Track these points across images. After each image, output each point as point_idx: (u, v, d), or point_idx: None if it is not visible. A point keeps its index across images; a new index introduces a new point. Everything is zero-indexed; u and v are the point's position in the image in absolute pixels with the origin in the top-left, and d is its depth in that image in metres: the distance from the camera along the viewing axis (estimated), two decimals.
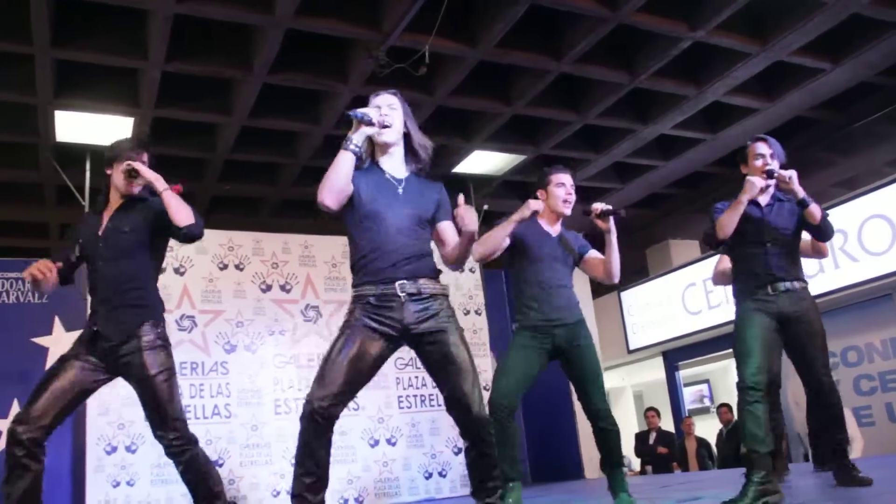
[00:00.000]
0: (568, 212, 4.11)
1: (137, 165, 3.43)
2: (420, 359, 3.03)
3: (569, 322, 3.99)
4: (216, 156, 7.82)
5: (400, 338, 2.96)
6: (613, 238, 3.98)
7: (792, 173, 3.86)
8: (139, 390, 3.38)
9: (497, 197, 9.28)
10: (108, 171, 3.55)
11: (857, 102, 8.32)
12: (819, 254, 4.64)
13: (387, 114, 3.08)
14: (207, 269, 6.71)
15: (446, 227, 3.18)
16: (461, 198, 3.03)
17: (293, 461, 2.85)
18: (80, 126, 6.88)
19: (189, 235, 3.46)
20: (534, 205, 3.87)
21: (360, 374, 2.89)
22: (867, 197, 8.16)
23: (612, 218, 3.94)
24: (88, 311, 3.51)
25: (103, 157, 3.60)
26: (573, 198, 4.12)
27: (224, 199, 8.97)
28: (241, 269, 6.85)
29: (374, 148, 3.13)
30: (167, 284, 6.42)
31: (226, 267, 6.80)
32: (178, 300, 6.51)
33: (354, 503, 6.57)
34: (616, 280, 4.11)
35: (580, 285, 10.22)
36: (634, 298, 11.70)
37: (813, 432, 4.91)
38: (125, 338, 3.36)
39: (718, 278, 4.95)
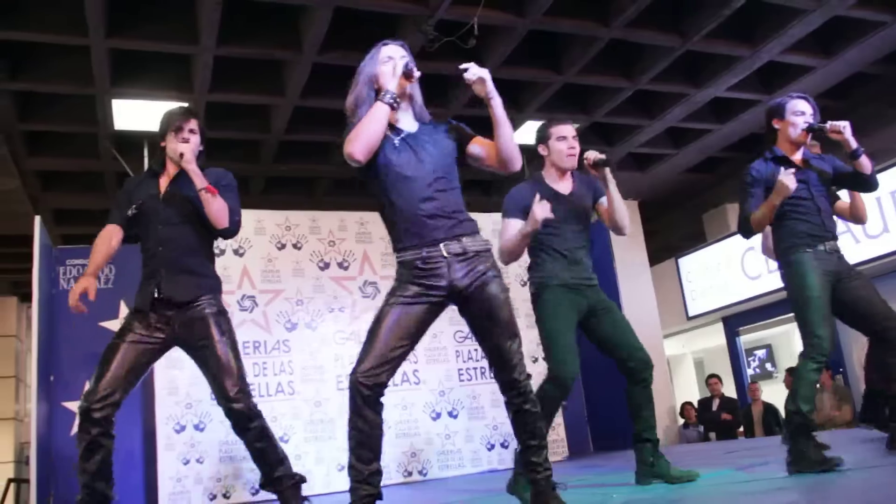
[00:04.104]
0: (573, 165, 3.92)
1: (187, 158, 3.42)
2: (464, 315, 2.94)
3: (592, 284, 3.84)
4: (271, 137, 7.92)
5: (447, 300, 2.89)
6: (612, 187, 3.82)
7: (846, 123, 3.74)
8: (205, 357, 3.43)
9: None
10: (162, 144, 3.58)
11: None
12: (858, 219, 4.45)
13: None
14: (266, 250, 6.80)
15: (476, 143, 3.02)
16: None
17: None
18: (136, 114, 7.02)
19: (223, 236, 3.58)
20: (539, 213, 3.59)
21: (402, 342, 2.83)
22: None
23: (607, 168, 3.79)
24: (143, 270, 3.53)
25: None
26: (577, 150, 3.90)
27: (280, 179, 9.09)
28: (299, 248, 6.93)
29: None
30: (227, 266, 6.53)
31: (284, 246, 6.88)
32: (239, 281, 6.62)
33: (419, 476, 6.65)
34: (625, 232, 3.93)
35: (637, 253, 10.19)
36: (692, 264, 11.57)
37: (871, 389, 4.76)
38: (189, 302, 3.42)
39: (768, 252, 4.85)
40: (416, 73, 2.96)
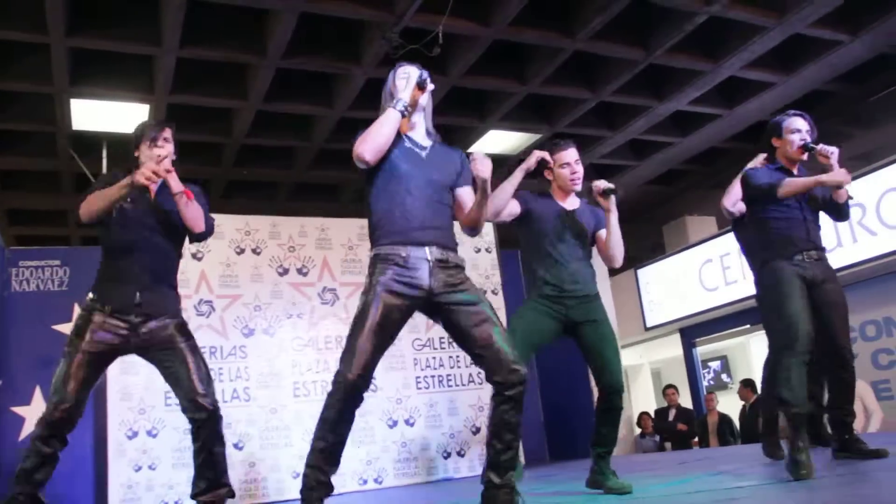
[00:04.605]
0: (578, 188, 4.03)
1: (167, 171, 3.39)
2: (448, 324, 3.01)
3: (582, 294, 3.88)
4: (232, 141, 7.85)
5: (422, 303, 2.97)
6: (614, 218, 3.91)
7: (834, 150, 3.92)
8: (174, 367, 3.42)
9: None
10: (136, 153, 3.58)
11: (876, 75, 8.23)
12: None
13: None
14: (224, 254, 6.73)
15: (465, 193, 3.22)
16: (477, 151, 3.08)
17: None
18: (95, 114, 6.92)
19: (197, 240, 3.63)
20: (539, 153, 3.88)
21: (386, 341, 2.93)
22: (886, 170, 8.07)
23: (613, 197, 3.88)
24: (112, 269, 3.49)
25: (131, 140, 3.64)
26: (580, 173, 4.02)
27: (240, 183, 9.02)
28: (259, 254, 6.87)
29: None
30: (184, 270, 6.38)
31: (243, 251, 6.82)
32: (196, 285, 6.54)
33: (374, 483, 6.61)
34: (616, 264, 4.03)
35: (597, 264, 10.22)
36: (651, 275, 11.66)
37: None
38: (161, 316, 3.44)
39: (730, 201, 4.92)
40: (430, 86, 3.15)
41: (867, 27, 6.93)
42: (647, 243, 12.64)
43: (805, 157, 4.03)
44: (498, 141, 8.49)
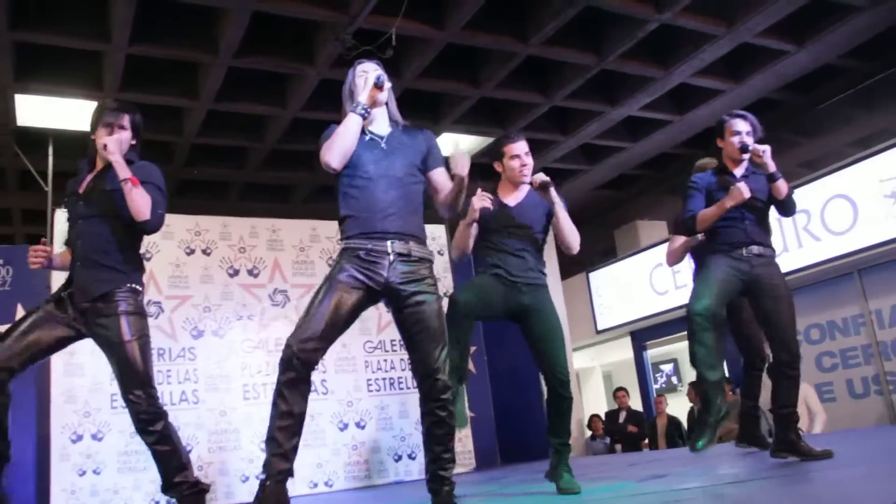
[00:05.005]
0: (526, 180, 4.03)
1: (110, 149, 3.38)
2: (396, 319, 3.09)
3: (532, 283, 3.94)
4: (183, 140, 7.75)
5: (380, 294, 3.03)
6: (560, 210, 3.95)
7: (766, 148, 4.01)
8: (112, 356, 3.36)
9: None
10: (93, 137, 3.51)
11: (822, 85, 8.41)
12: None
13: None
14: (174, 255, 6.65)
15: (438, 174, 3.30)
16: (455, 148, 3.19)
17: (262, 444, 2.85)
18: (41, 110, 6.77)
19: (143, 230, 3.50)
20: (477, 203, 3.82)
21: (339, 322, 2.94)
22: (830, 177, 8.25)
23: (552, 190, 3.92)
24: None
25: (79, 135, 3.61)
26: (530, 165, 4.03)
27: (191, 183, 8.90)
28: (209, 254, 6.79)
29: None
30: None
31: (193, 252, 6.73)
32: (145, 286, 6.44)
33: (324, 487, 6.57)
34: (573, 251, 4.09)
35: (548, 267, 10.28)
36: (602, 279, 11.77)
37: (745, 411, 5.02)
38: (97, 297, 3.34)
39: (672, 257, 5.16)
40: (388, 84, 3.24)
41: (813, 38, 7.09)
42: (598, 247, 12.74)
43: (746, 156, 4.12)
44: (451, 144, 8.49)
